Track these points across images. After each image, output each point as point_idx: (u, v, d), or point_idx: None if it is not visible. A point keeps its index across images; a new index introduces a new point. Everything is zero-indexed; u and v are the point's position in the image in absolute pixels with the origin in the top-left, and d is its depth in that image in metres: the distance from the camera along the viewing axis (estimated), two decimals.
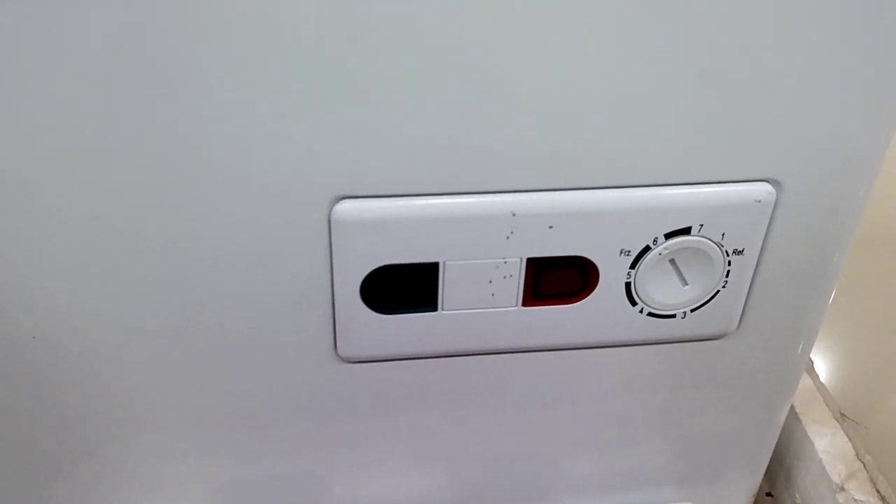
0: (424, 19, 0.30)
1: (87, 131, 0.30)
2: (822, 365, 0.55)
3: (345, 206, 0.33)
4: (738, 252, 0.37)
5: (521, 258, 0.36)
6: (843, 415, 0.52)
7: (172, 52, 0.29)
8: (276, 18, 0.29)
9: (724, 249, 0.37)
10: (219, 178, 0.32)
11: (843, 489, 0.48)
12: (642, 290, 0.37)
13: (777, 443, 0.48)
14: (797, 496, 0.52)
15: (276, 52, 0.30)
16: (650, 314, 0.38)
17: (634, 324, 0.38)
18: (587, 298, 0.37)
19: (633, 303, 0.38)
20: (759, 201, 0.36)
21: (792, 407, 0.51)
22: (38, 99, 0.30)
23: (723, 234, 0.36)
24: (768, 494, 0.57)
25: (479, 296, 0.36)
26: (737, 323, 0.40)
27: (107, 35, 0.29)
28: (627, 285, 0.37)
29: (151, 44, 0.29)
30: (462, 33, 0.30)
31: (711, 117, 0.34)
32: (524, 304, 0.37)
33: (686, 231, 0.36)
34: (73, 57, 0.29)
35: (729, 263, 0.37)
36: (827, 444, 0.50)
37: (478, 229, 0.35)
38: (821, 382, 0.54)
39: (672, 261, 0.37)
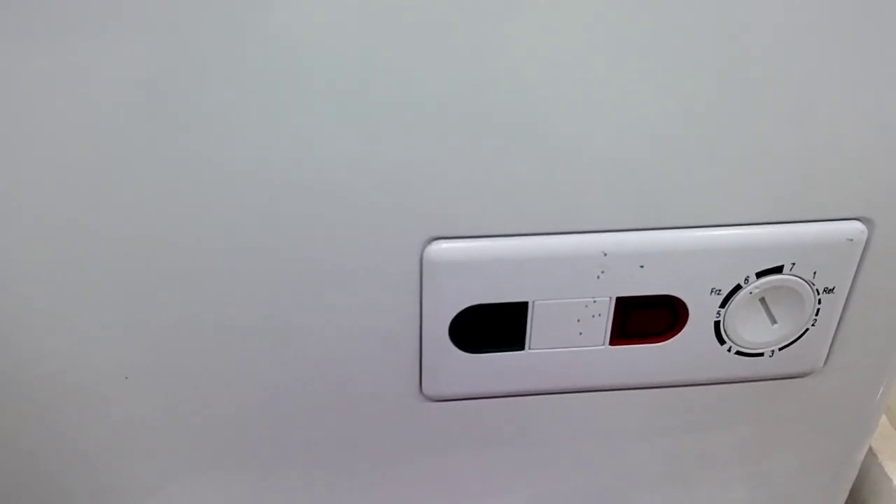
0: (516, 61, 0.30)
1: (173, 170, 0.31)
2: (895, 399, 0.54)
3: (437, 247, 0.34)
4: (828, 290, 0.36)
5: (611, 297, 0.35)
6: None
7: (269, 88, 0.30)
8: (373, 63, 0.29)
9: (814, 288, 0.36)
10: (314, 218, 0.33)
11: None
12: (731, 328, 0.37)
13: None
14: None
15: (372, 94, 0.30)
16: (738, 353, 0.38)
17: (722, 362, 0.38)
18: (675, 337, 0.37)
19: (722, 341, 0.37)
20: (851, 240, 0.35)
21: None
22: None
23: (814, 273, 0.36)
24: None
25: (567, 335, 0.36)
26: (823, 361, 0.39)
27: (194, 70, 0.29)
28: (717, 324, 0.37)
29: (247, 84, 0.29)
30: (553, 75, 0.30)
31: (803, 155, 0.33)
32: (612, 343, 0.37)
33: (778, 270, 0.35)
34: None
35: (819, 302, 0.37)
36: None
37: (568, 269, 0.34)
38: (895, 416, 0.53)
39: (762, 299, 0.36)
